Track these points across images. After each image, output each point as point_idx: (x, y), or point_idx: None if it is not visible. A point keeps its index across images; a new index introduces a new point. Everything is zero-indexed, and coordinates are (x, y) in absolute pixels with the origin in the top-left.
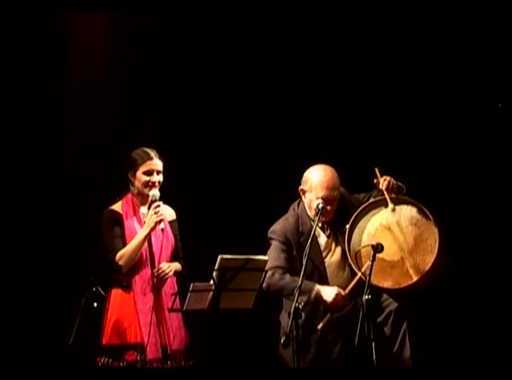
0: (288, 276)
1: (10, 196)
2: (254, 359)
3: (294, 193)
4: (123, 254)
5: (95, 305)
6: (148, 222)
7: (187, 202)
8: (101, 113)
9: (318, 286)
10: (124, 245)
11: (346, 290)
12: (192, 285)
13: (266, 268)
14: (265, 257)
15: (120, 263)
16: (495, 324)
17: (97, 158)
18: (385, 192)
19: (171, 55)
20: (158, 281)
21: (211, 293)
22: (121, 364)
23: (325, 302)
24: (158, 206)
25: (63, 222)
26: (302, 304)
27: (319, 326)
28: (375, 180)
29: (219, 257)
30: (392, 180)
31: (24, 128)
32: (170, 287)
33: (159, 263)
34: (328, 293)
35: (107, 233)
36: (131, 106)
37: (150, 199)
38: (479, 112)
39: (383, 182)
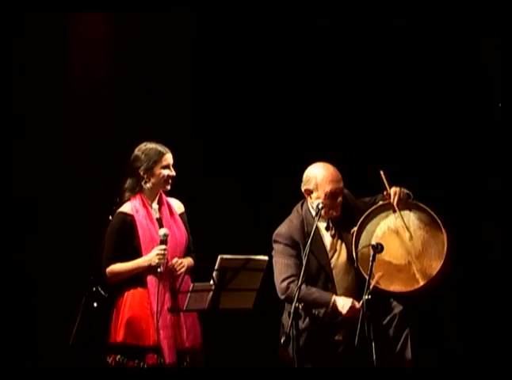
0: (303, 288)
1: (10, 196)
2: (254, 359)
3: (294, 193)
4: (113, 270)
5: (95, 305)
6: (151, 258)
7: (187, 202)
8: (101, 113)
9: (334, 297)
10: (132, 246)
11: (360, 303)
12: (192, 285)
13: (280, 278)
14: (265, 257)
15: (108, 276)
16: (495, 324)
17: (97, 158)
18: (396, 208)
19: (171, 55)
20: (172, 278)
21: (211, 293)
22: (141, 365)
23: (340, 313)
24: (165, 249)
25: (63, 222)
26: (320, 315)
27: (338, 338)
28: (384, 193)
29: (219, 257)
30: (402, 190)
31: (24, 128)
32: (186, 287)
33: (172, 255)
34: (343, 305)
35: (109, 239)
36: (131, 106)
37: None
38: (479, 111)
39: (393, 197)
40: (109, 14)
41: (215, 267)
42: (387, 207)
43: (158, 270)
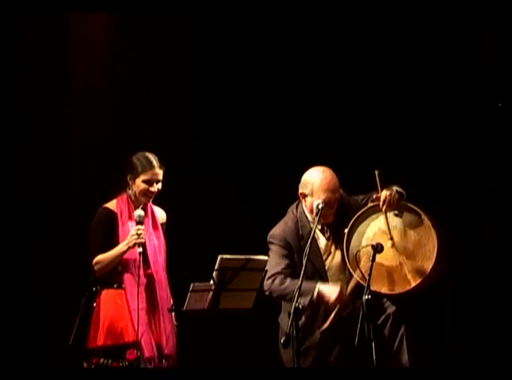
0: (288, 280)
1: (10, 196)
2: (254, 359)
3: (294, 193)
4: (98, 261)
5: (95, 305)
6: (128, 240)
7: (187, 202)
8: (101, 113)
9: (319, 285)
10: (112, 243)
11: (348, 290)
12: (192, 285)
13: (267, 275)
14: (265, 257)
15: (95, 267)
16: (495, 324)
17: (97, 158)
18: (383, 213)
19: (171, 55)
20: (150, 279)
21: (211, 293)
22: (122, 364)
23: (328, 300)
24: (141, 229)
25: (63, 221)
26: (305, 304)
27: (325, 325)
28: (374, 196)
29: (219, 257)
30: (393, 193)
31: (24, 128)
32: (163, 290)
33: (154, 264)
34: (331, 290)
35: (94, 233)
36: (131, 106)
37: (135, 214)
38: (479, 111)
39: (382, 201)
40: (109, 14)
41: (215, 267)
42: (378, 209)
43: (138, 250)
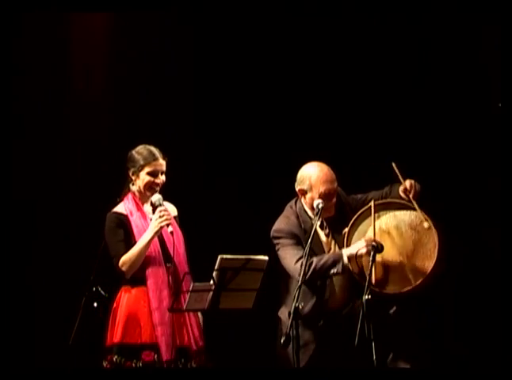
0: (314, 258)
1: (10, 196)
2: (254, 359)
3: (294, 193)
4: (126, 260)
5: (95, 305)
6: (152, 226)
7: (187, 202)
8: (101, 113)
9: (343, 250)
10: (131, 246)
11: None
12: (192, 285)
13: (292, 262)
14: (265, 257)
15: (123, 269)
16: (496, 324)
17: (97, 158)
18: (414, 202)
19: (171, 54)
20: (173, 276)
21: (211, 293)
22: (137, 364)
23: (361, 253)
24: (164, 210)
25: (63, 221)
26: (339, 271)
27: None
28: (401, 188)
29: (219, 257)
30: (417, 185)
31: (24, 128)
32: (187, 282)
33: (176, 256)
34: (357, 246)
35: (110, 238)
36: (131, 106)
37: (151, 201)
38: (479, 112)
39: (410, 189)
40: (109, 14)
41: (215, 267)
42: (378, 208)
43: (169, 230)
